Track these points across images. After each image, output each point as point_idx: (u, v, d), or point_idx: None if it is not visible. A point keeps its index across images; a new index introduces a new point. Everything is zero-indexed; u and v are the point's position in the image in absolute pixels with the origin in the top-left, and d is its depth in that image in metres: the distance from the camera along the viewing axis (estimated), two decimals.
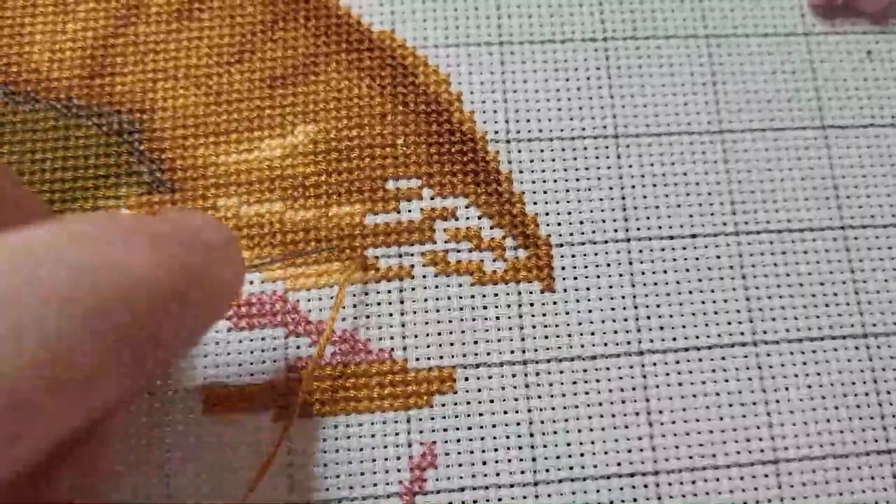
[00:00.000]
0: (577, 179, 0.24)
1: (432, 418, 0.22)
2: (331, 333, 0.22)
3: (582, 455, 0.22)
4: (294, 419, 0.21)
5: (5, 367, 0.12)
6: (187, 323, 0.16)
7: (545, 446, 0.22)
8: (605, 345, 0.23)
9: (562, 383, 0.22)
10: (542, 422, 0.22)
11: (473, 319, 0.23)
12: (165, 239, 0.15)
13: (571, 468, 0.22)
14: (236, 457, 0.21)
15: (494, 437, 0.22)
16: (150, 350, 0.14)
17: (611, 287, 0.23)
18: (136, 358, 0.14)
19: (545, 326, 0.23)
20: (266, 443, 0.21)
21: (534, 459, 0.22)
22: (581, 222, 0.24)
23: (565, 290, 0.23)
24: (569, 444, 0.22)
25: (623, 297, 0.23)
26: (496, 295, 0.23)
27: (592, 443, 0.22)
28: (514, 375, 0.22)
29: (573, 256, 0.23)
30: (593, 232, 0.24)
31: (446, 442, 0.22)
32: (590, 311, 0.23)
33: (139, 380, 0.15)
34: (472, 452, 0.22)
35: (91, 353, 0.13)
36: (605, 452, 0.22)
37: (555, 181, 0.24)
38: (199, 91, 0.24)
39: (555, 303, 0.23)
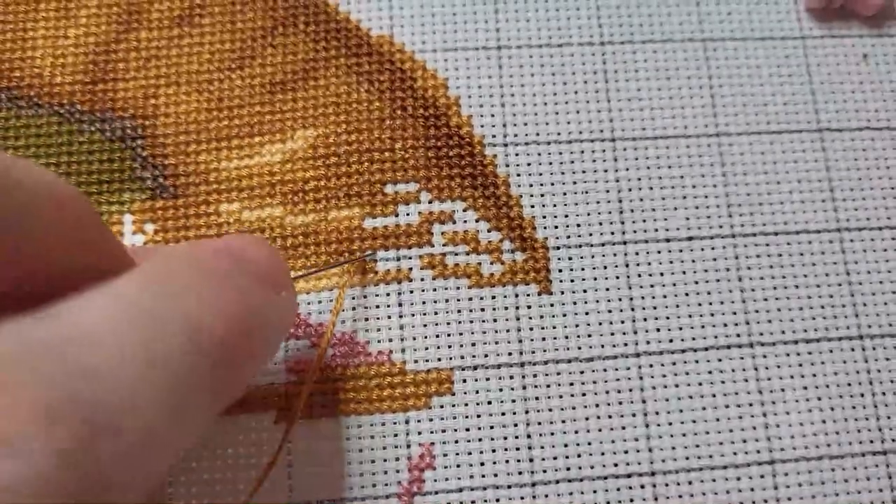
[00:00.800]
0: (575, 182, 0.24)
1: (431, 420, 0.22)
2: (331, 336, 0.22)
3: (579, 456, 0.22)
4: (296, 422, 0.21)
5: (143, 407, 0.13)
6: (256, 352, 0.17)
7: (542, 447, 0.22)
8: (602, 346, 0.23)
9: (559, 385, 0.22)
10: (540, 423, 0.22)
11: (471, 322, 0.23)
12: (237, 276, 0.17)
13: (569, 469, 0.22)
14: (237, 458, 0.21)
15: (492, 439, 0.22)
16: (231, 381, 0.16)
17: (608, 289, 0.23)
18: (216, 401, 0.16)
19: (542, 328, 0.23)
20: (267, 444, 0.21)
21: (531, 460, 0.22)
22: (578, 225, 0.24)
23: (562, 293, 0.23)
24: (566, 445, 0.22)
25: (620, 300, 0.23)
26: (494, 297, 0.23)
27: (589, 444, 0.22)
28: (511, 377, 0.22)
29: (570, 259, 0.24)
30: (590, 234, 0.24)
31: (444, 443, 0.22)
32: (587, 314, 0.23)
33: (218, 410, 0.16)
34: (470, 453, 0.22)
35: (192, 390, 0.14)
36: (602, 453, 0.22)
37: (552, 184, 0.24)
38: (201, 97, 0.25)
39: (552, 305, 0.23)
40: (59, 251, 0.15)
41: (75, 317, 0.13)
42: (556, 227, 0.24)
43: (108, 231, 0.17)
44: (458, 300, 0.23)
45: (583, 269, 0.24)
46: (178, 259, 0.16)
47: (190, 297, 0.15)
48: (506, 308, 0.23)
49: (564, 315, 0.23)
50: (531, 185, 0.24)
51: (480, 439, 0.22)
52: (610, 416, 0.22)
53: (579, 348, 0.23)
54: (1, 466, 0.11)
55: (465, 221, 0.24)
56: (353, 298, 0.23)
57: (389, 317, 0.23)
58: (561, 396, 0.22)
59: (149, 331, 0.13)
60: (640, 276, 0.24)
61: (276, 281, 0.18)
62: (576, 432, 0.22)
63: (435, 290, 0.23)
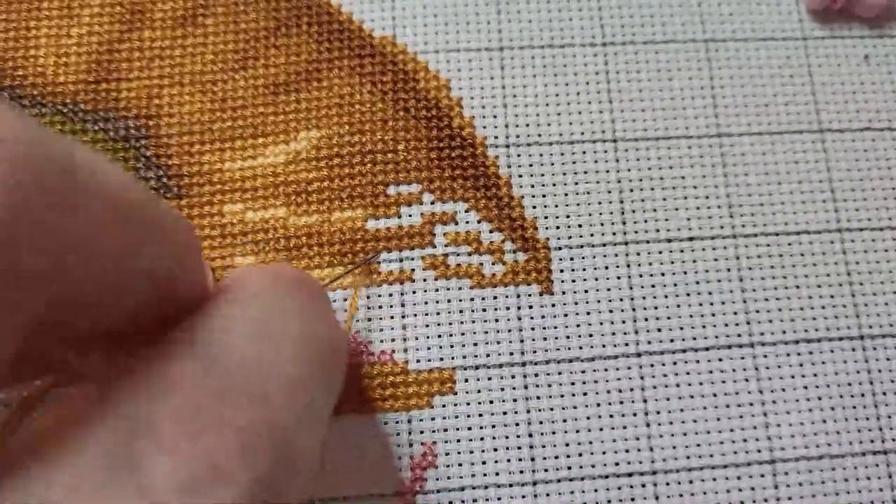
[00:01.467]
0: (576, 183, 0.25)
1: (433, 419, 0.22)
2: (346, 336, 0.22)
3: (580, 455, 0.22)
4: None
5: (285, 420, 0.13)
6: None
7: (544, 446, 0.22)
8: (604, 346, 0.23)
9: (560, 384, 0.23)
10: (541, 422, 0.22)
11: (473, 322, 0.23)
12: (308, 295, 0.17)
13: (570, 468, 0.22)
14: None
15: (494, 438, 0.22)
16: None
17: (609, 290, 0.24)
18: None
19: (544, 328, 0.23)
20: None
21: (532, 459, 0.22)
22: (580, 226, 0.24)
23: (564, 293, 0.23)
24: (567, 445, 0.22)
25: (621, 300, 0.23)
26: (495, 298, 0.23)
27: (591, 443, 0.22)
28: (513, 377, 0.23)
29: (572, 259, 0.24)
30: (592, 235, 0.24)
31: (446, 442, 0.22)
32: (588, 314, 0.23)
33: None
34: (471, 452, 0.22)
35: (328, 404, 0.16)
36: (603, 452, 0.22)
37: (554, 185, 0.24)
38: (205, 97, 0.25)
39: (553, 305, 0.23)
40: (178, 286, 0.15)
41: (223, 344, 0.13)
42: (558, 228, 0.24)
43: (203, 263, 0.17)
44: (460, 300, 0.23)
45: (584, 270, 0.24)
46: (275, 282, 0.17)
47: (309, 314, 0.16)
48: (507, 308, 0.23)
49: (566, 315, 0.23)
50: (533, 186, 0.24)
51: (482, 438, 0.22)
52: (611, 416, 0.22)
53: (580, 348, 0.23)
54: (214, 492, 0.11)
55: (468, 222, 0.24)
56: (350, 303, 0.23)
57: (392, 317, 0.23)
58: (562, 396, 0.22)
59: (288, 349, 0.14)
60: (641, 276, 0.24)
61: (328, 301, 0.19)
62: (577, 431, 0.22)
63: (437, 290, 0.23)
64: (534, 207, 0.24)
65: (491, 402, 0.22)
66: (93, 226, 0.12)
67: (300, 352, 0.14)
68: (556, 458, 0.22)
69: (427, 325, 0.23)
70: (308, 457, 0.14)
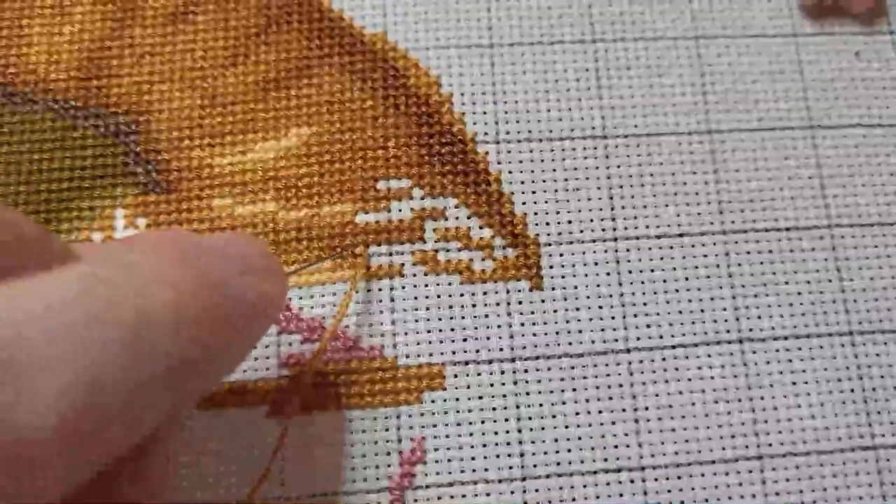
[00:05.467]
0: (566, 180, 0.25)
1: (422, 414, 0.22)
2: (334, 333, 0.22)
3: (569, 451, 0.22)
4: (292, 420, 0.21)
5: (71, 399, 0.12)
6: (231, 340, 0.16)
7: (533, 442, 0.22)
8: (593, 342, 0.23)
9: (550, 380, 0.23)
10: (530, 418, 0.22)
11: (463, 317, 0.23)
12: (197, 257, 0.15)
13: (559, 463, 0.22)
14: (229, 452, 0.21)
15: (483, 433, 0.22)
16: (192, 373, 0.14)
17: (598, 285, 0.24)
18: (177, 381, 0.14)
19: (533, 324, 0.23)
20: (259, 438, 0.22)
21: (522, 455, 0.22)
22: (569, 222, 0.24)
23: (553, 289, 0.23)
24: (556, 440, 0.22)
25: (610, 296, 0.23)
26: (485, 293, 0.23)
27: (580, 438, 0.22)
28: (502, 372, 0.23)
29: (561, 255, 0.24)
30: (581, 231, 0.24)
31: (436, 437, 0.22)
32: (577, 310, 0.23)
33: (184, 402, 0.15)
34: (460, 448, 0.22)
35: (136, 382, 0.13)
36: (592, 448, 0.22)
37: (543, 181, 0.24)
38: (195, 94, 0.25)
39: (543, 301, 0.23)
40: None
41: (35, 286, 0.13)
42: (548, 224, 0.24)
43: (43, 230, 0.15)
44: (450, 296, 0.23)
45: (574, 266, 0.24)
46: (145, 239, 0.16)
47: (145, 271, 0.14)
48: (497, 304, 0.23)
49: (555, 311, 0.23)
50: (523, 182, 0.24)
51: (471, 434, 0.22)
52: (600, 412, 0.22)
53: (570, 344, 0.23)
54: None
55: (457, 218, 0.24)
56: (346, 294, 0.23)
57: (382, 312, 0.23)
58: (551, 391, 0.23)
59: (105, 299, 0.13)
60: (630, 272, 0.24)
61: (259, 269, 0.17)
62: (566, 427, 0.22)
63: (427, 285, 0.23)
64: (523, 203, 0.24)
65: (480, 397, 0.22)
66: None
67: (120, 303, 0.13)
68: (546, 453, 0.22)
69: (417, 321, 0.23)
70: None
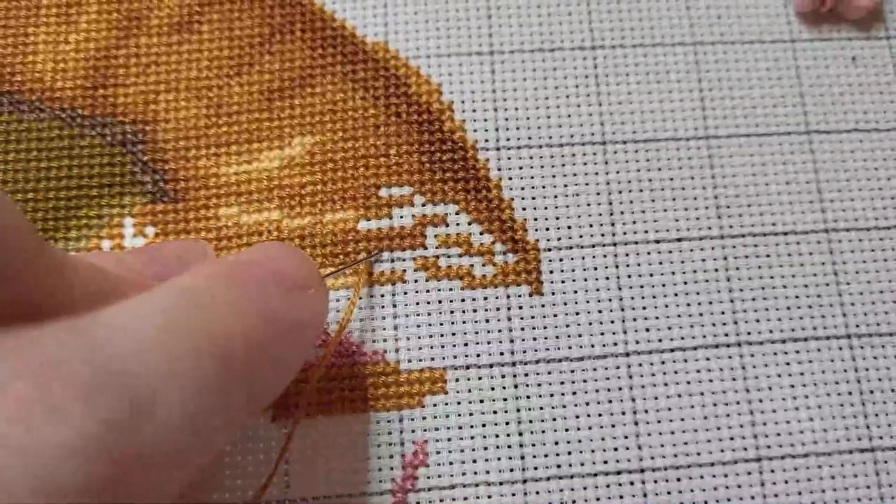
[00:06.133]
0: (566, 185, 0.25)
1: (424, 418, 0.22)
2: (338, 339, 0.22)
3: (569, 453, 0.22)
4: (297, 425, 0.22)
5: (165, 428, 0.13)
6: (284, 361, 0.17)
7: (533, 445, 0.22)
8: (592, 346, 0.23)
9: (550, 384, 0.23)
10: (531, 421, 0.23)
11: (464, 322, 0.23)
12: (257, 286, 0.17)
13: (559, 466, 0.22)
14: (234, 456, 0.22)
15: (484, 437, 0.22)
16: (245, 396, 0.16)
17: (598, 290, 0.24)
18: (254, 405, 0.16)
19: (533, 329, 0.23)
20: (264, 442, 0.22)
21: (522, 458, 0.22)
22: (569, 227, 0.24)
23: (553, 294, 0.24)
24: (556, 443, 0.22)
25: (610, 300, 0.24)
26: (486, 298, 0.24)
27: (580, 441, 0.23)
28: (503, 376, 0.23)
29: (561, 260, 0.24)
30: (581, 236, 0.24)
31: (437, 441, 0.22)
32: (577, 314, 0.24)
33: (237, 424, 0.17)
34: (462, 451, 0.22)
35: (222, 391, 0.15)
36: (592, 451, 0.22)
37: (543, 187, 0.25)
38: (200, 103, 0.25)
39: (543, 306, 0.24)
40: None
41: (108, 319, 0.14)
42: (548, 230, 0.24)
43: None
44: (451, 301, 0.24)
45: (573, 271, 0.24)
46: (213, 272, 0.17)
47: (217, 307, 0.15)
48: (498, 309, 0.24)
49: (555, 315, 0.24)
50: (523, 189, 0.25)
51: (473, 437, 0.22)
52: (600, 415, 0.23)
53: (570, 348, 0.23)
54: (49, 430, 0.12)
55: (458, 224, 0.24)
56: (349, 300, 0.23)
57: (384, 317, 0.23)
58: (552, 395, 0.23)
59: (179, 339, 0.14)
60: (629, 276, 0.24)
61: (303, 283, 0.19)
62: (566, 430, 0.23)
63: (428, 291, 0.24)
64: (524, 209, 0.25)
65: (481, 401, 0.23)
66: None
67: (191, 342, 0.14)
68: (546, 456, 0.22)
69: (418, 326, 0.23)
70: (176, 426, 0.13)
